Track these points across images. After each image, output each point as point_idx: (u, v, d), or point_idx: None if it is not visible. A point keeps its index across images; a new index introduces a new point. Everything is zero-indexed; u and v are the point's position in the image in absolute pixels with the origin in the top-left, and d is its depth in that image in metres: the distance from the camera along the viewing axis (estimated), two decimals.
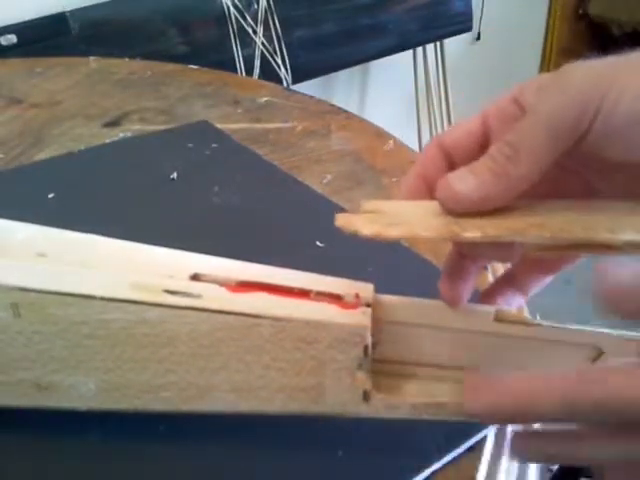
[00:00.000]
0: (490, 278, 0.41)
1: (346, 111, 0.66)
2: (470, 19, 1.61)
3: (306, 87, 1.37)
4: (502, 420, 0.26)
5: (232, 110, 0.67)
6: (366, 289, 0.27)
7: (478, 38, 1.85)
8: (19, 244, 0.29)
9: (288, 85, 1.30)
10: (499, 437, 0.31)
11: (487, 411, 0.23)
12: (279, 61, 1.29)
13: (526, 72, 2.08)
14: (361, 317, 0.26)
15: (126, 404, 0.28)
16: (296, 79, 1.33)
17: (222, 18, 1.22)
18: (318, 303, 0.27)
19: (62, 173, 0.54)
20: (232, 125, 0.63)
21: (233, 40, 1.23)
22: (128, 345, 0.27)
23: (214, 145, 0.57)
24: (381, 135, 0.61)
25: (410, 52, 1.61)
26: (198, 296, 0.26)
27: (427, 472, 0.29)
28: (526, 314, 0.26)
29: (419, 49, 1.62)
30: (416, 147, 1.72)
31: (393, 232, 0.23)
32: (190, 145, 0.57)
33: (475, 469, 0.29)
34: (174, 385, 0.27)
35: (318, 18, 1.34)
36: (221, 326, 0.26)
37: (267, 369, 0.27)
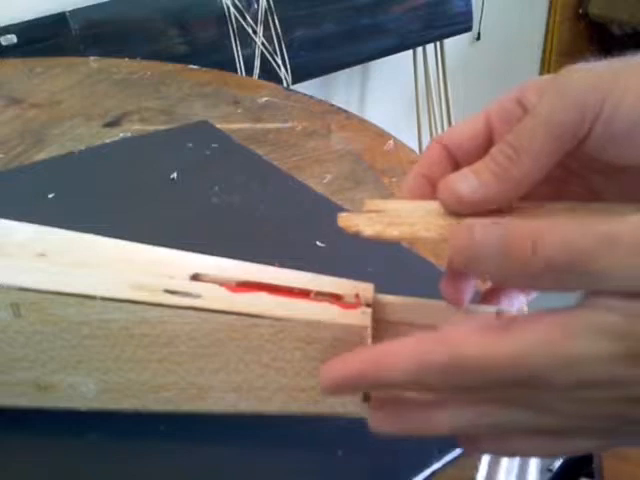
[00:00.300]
0: None
1: (346, 111, 0.66)
2: (470, 19, 1.61)
3: (306, 87, 1.37)
4: (352, 391, 0.25)
5: (232, 110, 0.67)
6: (366, 289, 0.27)
7: (478, 38, 1.85)
8: (19, 244, 0.29)
9: (288, 85, 1.30)
10: None
11: (336, 383, 0.22)
12: (279, 61, 1.29)
13: (526, 72, 2.08)
14: (361, 317, 0.26)
15: (126, 404, 0.28)
16: (296, 79, 1.33)
17: (222, 18, 1.22)
18: (318, 303, 0.27)
19: (62, 173, 0.54)
20: (232, 125, 0.63)
21: (233, 40, 1.23)
22: (128, 345, 0.27)
23: (214, 145, 0.57)
24: (381, 135, 0.61)
25: (410, 52, 1.61)
26: (198, 296, 0.26)
27: (427, 472, 0.29)
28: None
29: (419, 49, 1.62)
30: (416, 147, 1.72)
31: (394, 232, 0.23)
32: (190, 145, 0.57)
33: (475, 469, 0.29)
34: (174, 385, 0.27)
35: (318, 18, 1.34)
36: (221, 326, 0.26)
37: (267, 369, 0.27)
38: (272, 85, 0.75)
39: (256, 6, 1.26)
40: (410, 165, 0.55)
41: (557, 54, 2.04)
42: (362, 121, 0.64)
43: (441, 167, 0.26)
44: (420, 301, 0.27)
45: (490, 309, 0.26)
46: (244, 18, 1.24)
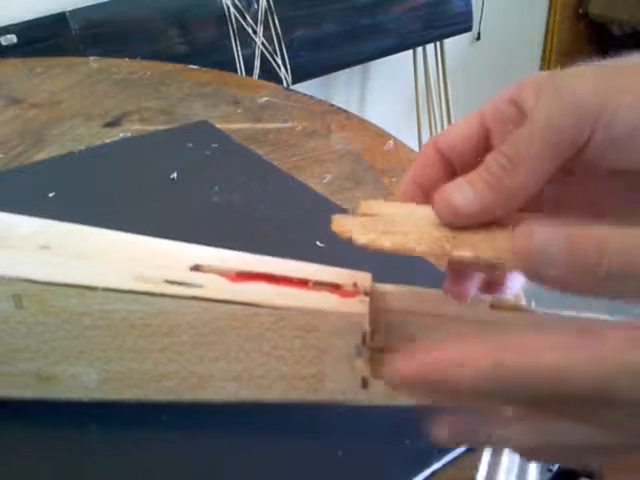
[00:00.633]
0: None
1: (346, 111, 0.66)
2: (470, 19, 1.61)
3: (306, 87, 1.37)
4: (419, 386, 0.23)
5: (232, 110, 0.67)
6: (364, 278, 0.28)
7: (478, 38, 1.85)
8: (22, 237, 0.29)
9: (288, 85, 1.30)
10: None
11: (408, 377, 0.21)
12: (279, 61, 1.29)
13: (526, 72, 2.06)
14: (359, 305, 0.26)
15: (128, 394, 0.28)
16: (296, 79, 1.33)
17: (222, 18, 1.22)
18: (317, 292, 0.27)
19: (62, 173, 0.54)
20: (232, 125, 0.63)
21: (233, 40, 1.23)
22: (129, 335, 0.27)
23: (214, 145, 0.57)
24: (381, 135, 0.61)
25: (410, 52, 1.61)
26: (199, 286, 0.26)
27: (427, 472, 0.29)
28: (523, 302, 0.26)
29: (419, 49, 1.62)
30: (416, 147, 1.71)
31: (386, 243, 0.23)
32: (190, 145, 0.57)
33: (475, 469, 0.29)
34: (176, 374, 0.27)
35: (318, 18, 1.34)
36: (222, 315, 0.26)
37: (267, 357, 0.27)
38: (272, 85, 0.75)
39: (256, 6, 1.26)
40: (410, 165, 0.55)
41: (557, 54, 2.04)
42: (362, 121, 0.64)
43: (434, 170, 0.26)
44: (417, 289, 0.27)
45: (486, 297, 0.26)
46: (244, 18, 1.24)
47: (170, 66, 0.80)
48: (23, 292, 0.26)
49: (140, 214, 0.47)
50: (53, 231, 0.30)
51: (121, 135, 0.61)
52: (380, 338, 0.28)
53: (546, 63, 2.07)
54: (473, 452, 0.30)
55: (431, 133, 1.72)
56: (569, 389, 0.19)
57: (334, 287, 0.27)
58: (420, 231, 0.23)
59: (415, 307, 0.27)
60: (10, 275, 0.26)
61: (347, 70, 1.54)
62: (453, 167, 0.26)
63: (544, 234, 0.19)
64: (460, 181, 0.23)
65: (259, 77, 1.26)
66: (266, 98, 0.69)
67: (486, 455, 0.30)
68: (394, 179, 0.53)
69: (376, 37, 1.45)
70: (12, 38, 1.04)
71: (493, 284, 0.27)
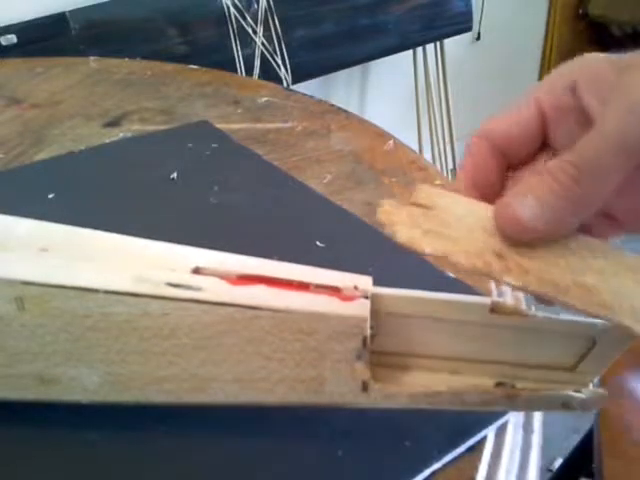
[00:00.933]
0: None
1: (346, 111, 0.66)
2: (470, 19, 1.61)
3: (306, 87, 1.37)
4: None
5: (232, 110, 0.67)
6: (365, 281, 0.27)
7: (478, 38, 1.85)
8: (22, 239, 0.29)
9: (288, 85, 1.30)
10: (499, 437, 0.31)
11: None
12: (279, 61, 1.29)
13: (526, 72, 2.08)
14: (360, 309, 0.26)
15: (129, 396, 0.28)
16: (296, 79, 1.33)
17: (222, 18, 1.22)
18: (317, 295, 0.27)
19: (62, 173, 0.54)
20: (232, 125, 0.63)
21: (233, 40, 1.23)
22: (131, 337, 0.27)
23: (214, 145, 0.57)
24: (381, 135, 0.61)
25: (410, 52, 1.61)
26: (199, 289, 0.26)
27: (427, 472, 0.29)
28: (523, 305, 0.26)
29: (419, 49, 1.62)
30: (416, 147, 1.72)
31: (427, 248, 0.21)
32: (190, 145, 0.57)
33: (475, 469, 0.29)
34: (176, 377, 0.27)
35: (318, 18, 1.34)
36: (222, 318, 0.26)
37: (268, 360, 0.27)
38: (272, 85, 0.75)
39: (256, 6, 1.26)
40: (410, 165, 0.55)
41: (557, 54, 2.04)
42: (362, 121, 0.64)
43: (488, 168, 0.24)
44: (418, 293, 0.27)
45: (486, 300, 0.26)
46: (244, 18, 1.24)
47: (170, 66, 0.80)
48: (25, 294, 0.26)
49: (140, 214, 0.47)
50: (53, 233, 0.30)
51: (121, 135, 0.61)
52: (380, 341, 0.28)
53: (546, 63, 2.07)
54: (473, 452, 0.30)
55: (431, 133, 1.72)
56: None
57: (335, 290, 0.27)
58: (471, 240, 0.22)
59: (416, 310, 0.27)
60: (12, 278, 0.26)
61: (347, 70, 1.54)
62: (507, 158, 0.24)
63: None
64: (523, 192, 0.21)
65: (259, 77, 1.26)
66: (266, 98, 0.69)
67: (486, 455, 0.30)
68: (394, 179, 0.53)
69: (376, 37, 1.45)
70: (12, 38, 1.04)
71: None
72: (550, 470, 1.09)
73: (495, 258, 0.21)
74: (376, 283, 0.28)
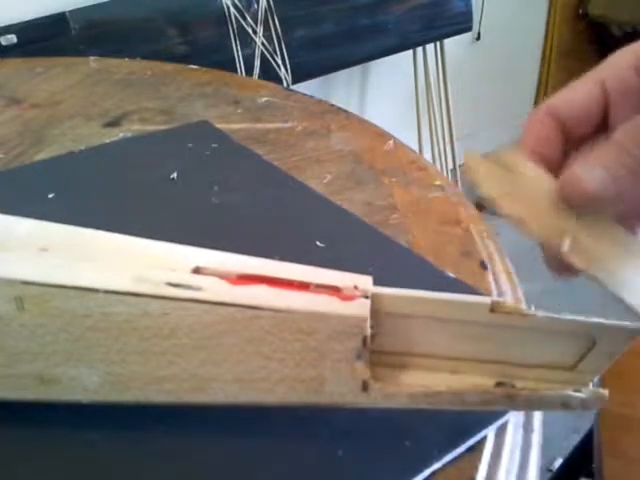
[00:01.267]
0: (490, 278, 0.41)
1: (346, 111, 0.66)
2: (470, 19, 1.62)
3: (306, 87, 1.37)
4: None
5: (232, 110, 0.67)
6: (365, 281, 0.27)
7: (478, 38, 1.85)
8: (22, 239, 0.29)
9: (288, 85, 1.30)
10: (499, 437, 0.31)
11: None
12: (279, 61, 1.29)
13: (526, 72, 2.09)
14: (360, 308, 0.26)
15: (129, 396, 0.28)
16: (296, 79, 1.33)
17: (222, 18, 1.22)
18: (318, 295, 0.27)
19: (62, 173, 0.54)
20: (232, 125, 0.63)
21: (233, 40, 1.24)
22: (131, 337, 0.27)
23: (214, 145, 0.57)
24: (381, 135, 0.61)
25: (410, 52, 1.61)
26: (200, 289, 0.26)
27: (427, 472, 0.29)
28: (523, 305, 0.26)
29: (419, 49, 1.62)
30: (416, 147, 1.72)
31: (505, 208, 0.22)
32: (190, 145, 0.57)
33: (475, 469, 0.29)
34: (176, 377, 0.27)
35: (318, 18, 1.34)
36: (222, 318, 0.26)
37: (268, 360, 0.27)
38: (272, 85, 0.75)
39: (256, 6, 1.26)
40: (410, 165, 0.55)
41: (557, 54, 2.04)
42: (362, 121, 0.64)
43: (551, 142, 0.24)
44: (418, 293, 0.27)
45: (486, 300, 0.26)
46: (244, 18, 1.24)
47: (170, 66, 0.80)
48: (24, 294, 0.26)
49: (140, 214, 0.47)
50: (53, 233, 0.30)
51: (121, 135, 0.61)
52: (380, 341, 0.28)
53: (546, 63, 2.07)
54: (473, 452, 0.30)
55: (431, 133, 1.72)
56: None
57: (335, 290, 0.27)
58: (544, 211, 0.22)
59: (416, 310, 0.27)
60: (12, 277, 0.26)
61: (347, 70, 1.54)
62: (566, 134, 0.24)
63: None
64: (592, 163, 0.21)
65: (259, 77, 1.26)
66: (266, 98, 0.69)
67: (486, 455, 0.30)
68: (394, 179, 0.53)
69: (376, 37, 1.45)
70: (12, 38, 1.04)
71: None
72: (550, 470, 1.09)
73: (565, 235, 0.22)
74: (376, 283, 0.28)
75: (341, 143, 0.59)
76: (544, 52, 2.07)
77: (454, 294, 0.27)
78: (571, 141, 0.24)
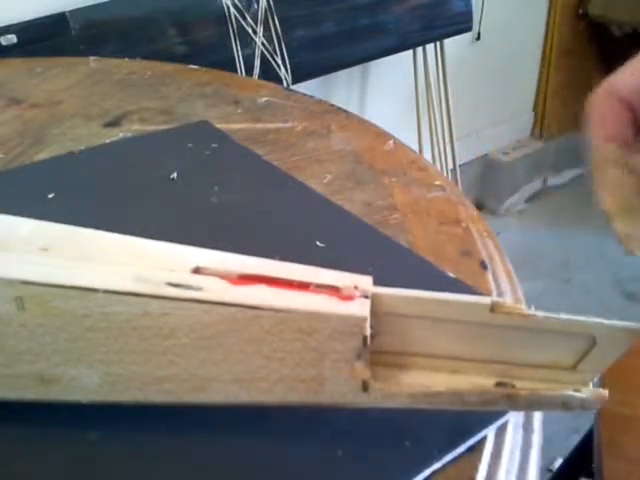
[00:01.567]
0: (490, 278, 0.41)
1: (346, 111, 0.66)
2: (470, 19, 1.62)
3: (306, 87, 1.37)
4: None
5: (232, 110, 0.67)
6: (365, 281, 0.27)
7: (478, 38, 1.85)
8: (22, 239, 0.29)
9: (288, 85, 1.30)
10: (499, 437, 0.31)
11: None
12: (279, 61, 1.29)
13: (526, 72, 2.08)
14: (360, 308, 0.26)
15: (129, 396, 0.28)
16: (296, 79, 1.33)
17: (222, 18, 1.22)
18: (318, 295, 0.27)
19: (62, 173, 0.54)
20: (232, 125, 0.63)
21: (233, 40, 1.23)
22: (130, 337, 0.27)
23: (214, 145, 0.57)
24: (381, 135, 0.61)
25: (410, 52, 1.61)
26: (200, 288, 0.26)
27: (427, 472, 0.29)
28: (523, 305, 0.26)
29: (419, 49, 1.62)
30: (416, 147, 1.72)
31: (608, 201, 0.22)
32: (190, 145, 0.57)
33: (475, 469, 0.29)
34: (176, 376, 0.27)
35: (318, 18, 1.34)
36: (222, 318, 0.26)
37: (268, 360, 0.27)
38: (272, 85, 0.75)
39: (256, 6, 1.26)
40: (410, 165, 0.55)
41: (557, 54, 2.04)
42: (362, 121, 0.64)
43: (621, 121, 0.23)
44: (418, 293, 0.27)
45: (486, 300, 0.26)
46: (244, 18, 1.24)
47: (170, 66, 0.80)
48: (25, 294, 0.26)
49: (140, 214, 0.47)
50: (53, 233, 0.30)
51: (121, 135, 0.61)
52: (380, 341, 0.28)
53: (546, 63, 2.07)
54: (473, 452, 0.30)
55: (431, 133, 1.72)
56: None
57: (335, 290, 0.27)
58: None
59: (416, 310, 0.27)
60: (12, 277, 0.26)
61: (347, 70, 1.54)
62: (632, 111, 0.24)
63: None
64: None
65: (259, 77, 1.26)
66: (266, 98, 0.69)
67: (486, 455, 0.30)
68: (394, 179, 0.53)
69: (376, 37, 1.45)
70: (12, 38, 1.04)
71: None
72: (550, 470, 1.09)
73: None
74: (376, 283, 0.28)
75: (341, 143, 0.59)
76: (544, 52, 2.07)
77: (454, 294, 0.27)
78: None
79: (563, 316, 0.26)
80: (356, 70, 1.63)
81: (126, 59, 0.83)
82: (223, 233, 0.45)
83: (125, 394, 0.28)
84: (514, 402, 0.26)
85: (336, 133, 0.62)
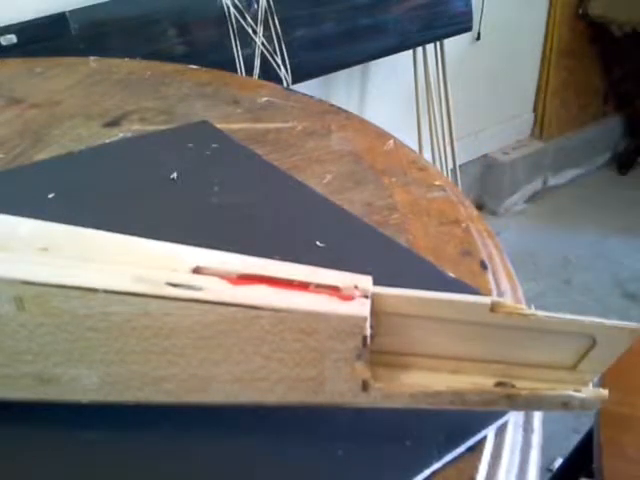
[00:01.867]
0: (490, 278, 0.41)
1: (346, 111, 0.66)
2: (470, 19, 1.62)
3: (306, 87, 1.37)
4: None
5: (232, 110, 0.67)
6: (365, 281, 0.27)
7: (478, 38, 1.85)
8: (22, 239, 0.29)
9: (288, 85, 1.30)
10: (499, 437, 0.31)
11: None
12: (279, 61, 1.29)
13: (526, 72, 2.09)
14: (360, 308, 0.26)
15: (129, 396, 0.28)
16: (296, 79, 1.33)
17: (222, 18, 1.22)
18: (318, 295, 0.27)
19: (62, 173, 0.54)
20: (232, 125, 0.63)
21: (233, 40, 1.23)
22: (130, 337, 0.27)
23: (214, 145, 0.57)
24: (381, 135, 0.61)
25: (410, 52, 1.61)
26: (200, 288, 0.26)
27: (427, 472, 0.29)
28: (523, 305, 0.26)
29: (419, 49, 1.62)
30: (416, 147, 1.72)
31: None
32: (190, 145, 0.57)
33: (475, 469, 0.29)
34: (176, 377, 0.27)
35: (318, 18, 1.34)
36: (222, 318, 0.26)
37: (268, 360, 0.27)
38: (272, 85, 0.75)
39: (256, 6, 1.26)
40: (410, 165, 0.55)
41: (557, 54, 2.04)
42: (362, 121, 0.64)
43: None
44: (418, 293, 0.27)
45: (486, 300, 0.26)
46: (244, 18, 1.24)
47: (170, 66, 0.80)
48: (24, 294, 0.26)
49: (140, 214, 0.47)
50: (53, 233, 0.30)
51: (121, 135, 0.61)
52: (380, 341, 0.28)
53: (546, 63, 2.07)
54: (473, 452, 0.30)
55: (431, 133, 1.72)
56: None
57: (335, 290, 0.27)
58: None
59: (416, 310, 0.27)
60: (12, 277, 0.26)
61: (347, 70, 1.54)
62: None
63: None
64: None
65: (259, 77, 1.26)
66: (266, 98, 0.69)
67: (486, 455, 0.30)
68: (394, 179, 0.53)
69: (376, 37, 1.45)
70: (12, 38, 1.04)
71: None
72: (550, 470, 1.09)
73: None
74: (376, 283, 0.28)
75: (341, 143, 0.59)
76: (544, 52, 2.07)
77: (454, 294, 0.27)
78: None
79: (563, 316, 0.26)
80: (356, 70, 1.63)
81: (126, 59, 0.83)
82: (223, 233, 0.45)
83: (125, 394, 0.28)
84: (514, 402, 0.26)
85: (336, 133, 0.62)
